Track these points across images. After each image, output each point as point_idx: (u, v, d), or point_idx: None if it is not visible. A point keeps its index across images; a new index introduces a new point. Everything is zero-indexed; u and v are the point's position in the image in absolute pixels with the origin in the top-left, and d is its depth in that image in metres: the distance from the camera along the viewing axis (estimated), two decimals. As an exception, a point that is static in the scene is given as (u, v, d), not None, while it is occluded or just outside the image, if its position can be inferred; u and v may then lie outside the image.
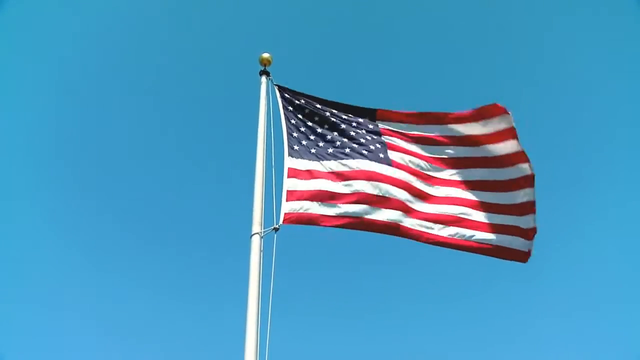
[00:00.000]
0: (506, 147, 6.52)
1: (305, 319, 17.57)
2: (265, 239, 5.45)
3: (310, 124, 6.76)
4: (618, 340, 15.30)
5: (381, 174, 6.38)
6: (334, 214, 5.98)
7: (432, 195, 6.53)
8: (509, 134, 6.48)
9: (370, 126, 6.88)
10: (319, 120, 6.83)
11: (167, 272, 18.47)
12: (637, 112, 17.89)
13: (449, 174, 6.67)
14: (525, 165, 6.46)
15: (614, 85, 18.79)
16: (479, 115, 6.62)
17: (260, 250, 5.34)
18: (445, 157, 6.74)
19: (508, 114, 6.46)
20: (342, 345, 17.11)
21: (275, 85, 6.98)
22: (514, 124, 6.47)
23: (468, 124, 6.67)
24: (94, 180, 19.29)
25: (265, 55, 7.11)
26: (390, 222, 6.15)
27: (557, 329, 16.88)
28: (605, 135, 19.12)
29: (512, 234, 6.43)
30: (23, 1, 16.45)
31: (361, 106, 6.97)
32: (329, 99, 6.99)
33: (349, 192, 6.15)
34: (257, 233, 5.42)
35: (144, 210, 19.80)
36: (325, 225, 5.91)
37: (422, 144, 6.79)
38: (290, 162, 6.20)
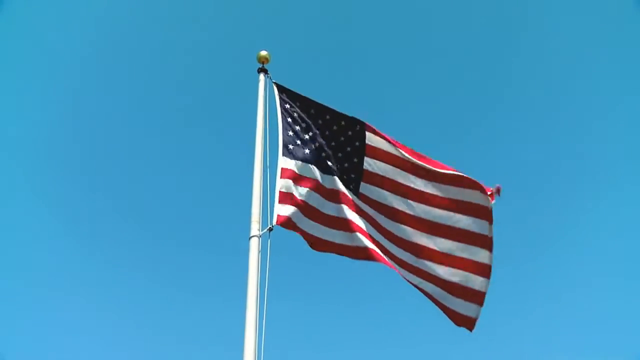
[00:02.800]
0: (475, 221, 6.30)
1: (304, 317, 17.54)
2: (261, 238, 5.49)
3: (304, 125, 6.69)
4: (618, 340, 15.23)
5: (354, 206, 6.36)
6: (325, 239, 6.08)
7: (394, 235, 6.40)
8: (483, 212, 6.25)
9: (357, 143, 6.66)
10: (306, 126, 6.70)
11: (166, 272, 18.48)
12: (637, 112, 17.83)
13: (416, 210, 6.43)
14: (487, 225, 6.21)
15: (614, 84, 18.75)
16: (462, 182, 6.35)
17: (259, 252, 5.38)
18: (417, 190, 6.48)
19: (488, 197, 6.22)
20: (342, 343, 17.06)
21: (274, 83, 6.95)
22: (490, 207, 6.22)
23: (448, 186, 6.39)
24: (91, 182, 19.33)
25: (263, 53, 7.09)
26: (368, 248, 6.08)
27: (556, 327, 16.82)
28: (605, 134, 19.06)
29: (461, 296, 6.18)
30: (23, 1, 16.45)
31: (352, 116, 6.71)
32: (327, 96, 6.94)
33: (336, 215, 6.21)
34: (256, 235, 5.47)
35: (141, 208, 19.78)
36: (315, 249, 6.04)
37: (402, 169, 6.55)
38: (284, 162, 6.16)
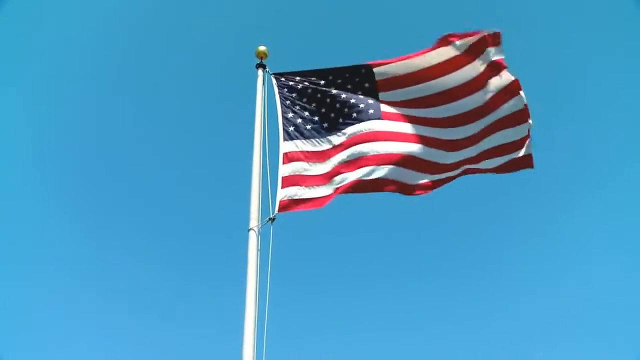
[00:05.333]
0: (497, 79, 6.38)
1: (304, 311, 17.56)
2: (262, 230, 5.49)
3: (304, 99, 6.69)
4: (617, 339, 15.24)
5: (372, 132, 6.34)
6: (322, 194, 6.00)
7: (428, 138, 6.44)
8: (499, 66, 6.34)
9: (367, 84, 6.65)
10: (311, 92, 6.71)
11: (164, 268, 18.46)
12: (636, 112, 17.85)
13: (440, 111, 6.53)
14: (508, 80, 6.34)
15: (613, 85, 18.76)
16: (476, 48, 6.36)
17: (257, 245, 5.37)
18: (438, 92, 6.56)
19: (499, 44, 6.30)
20: (343, 341, 17.06)
21: (272, 74, 6.96)
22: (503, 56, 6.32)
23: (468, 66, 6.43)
24: (90, 176, 19.37)
25: (262, 48, 7.09)
26: (378, 179, 6.17)
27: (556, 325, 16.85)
28: (604, 134, 19.08)
29: (501, 154, 6.42)
30: (23, 1, 16.48)
31: (354, 65, 6.72)
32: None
33: (337, 163, 6.17)
34: (253, 228, 5.45)
35: (140, 205, 19.76)
36: (314, 208, 5.96)
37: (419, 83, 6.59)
38: (285, 147, 6.21)
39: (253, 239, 5.37)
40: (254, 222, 5.49)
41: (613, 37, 18.27)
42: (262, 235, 5.47)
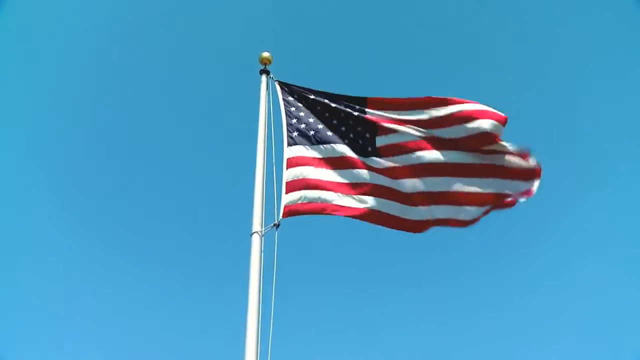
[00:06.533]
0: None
1: (307, 317, 17.61)
2: (267, 236, 5.51)
3: (308, 107, 6.75)
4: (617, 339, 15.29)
5: (370, 166, 6.29)
6: (339, 204, 6.03)
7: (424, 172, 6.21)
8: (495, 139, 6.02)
9: (357, 113, 6.56)
10: (315, 106, 6.74)
11: (168, 271, 18.53)
12: (636, 113, 17.89)
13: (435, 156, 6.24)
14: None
15: (613, 85, 18.80)
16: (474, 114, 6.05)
17: (261, 249, 5.39)
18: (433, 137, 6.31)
19: (502, 124, 5.95)
20: (345, 344, 17.12)
21: (276, 81, 7.02)
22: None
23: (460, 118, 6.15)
24: (94, 179, 19.43)
25: (265, 54, 7.13)
26: (391, 215, 6.08)
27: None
28: (603, 134, 19.12)
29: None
30: (23, 1, 16.49)
31: (352, 96, 6.67)
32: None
33: (348, 181, 6.18)
34: (257, 232, 5.47)
35: (144, 208, 19.82)
36: (328, 214, 5.97)
37: (413, 125, 6.38)
38: (288, 152, 6.27)
39: (256, 242, 5.39)
40: (257, 225, 5.51)
41: (612, 36, 18.31)
42: (267, 238, 5.49)
